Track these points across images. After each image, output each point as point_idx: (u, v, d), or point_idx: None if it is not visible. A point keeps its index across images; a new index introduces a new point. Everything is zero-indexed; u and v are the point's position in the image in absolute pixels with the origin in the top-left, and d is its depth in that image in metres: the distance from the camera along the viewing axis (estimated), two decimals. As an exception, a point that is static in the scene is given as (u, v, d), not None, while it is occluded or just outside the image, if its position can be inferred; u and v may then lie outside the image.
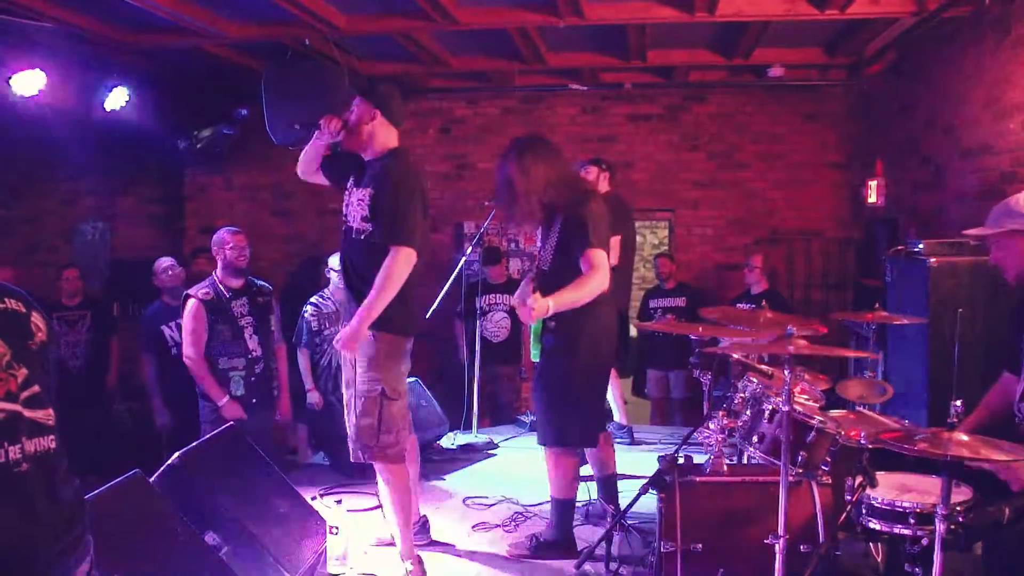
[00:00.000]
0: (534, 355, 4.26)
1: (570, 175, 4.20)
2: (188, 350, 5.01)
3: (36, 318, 1.96)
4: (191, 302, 5.02)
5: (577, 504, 4.27)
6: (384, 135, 3.80)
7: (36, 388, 1.86)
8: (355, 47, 7.10)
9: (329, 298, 6.31)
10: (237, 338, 5.09)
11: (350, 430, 3.81)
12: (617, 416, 6.15)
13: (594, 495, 4.60)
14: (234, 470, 3.82)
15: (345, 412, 3.92)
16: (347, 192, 3.87)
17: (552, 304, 3.63)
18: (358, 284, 3.74)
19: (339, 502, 4.38)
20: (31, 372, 1.86)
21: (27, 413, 1.81)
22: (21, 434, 1.79)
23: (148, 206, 9.42)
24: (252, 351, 5.17)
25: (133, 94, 6.63)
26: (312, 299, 6.33)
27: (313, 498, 4.64)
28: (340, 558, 3.96)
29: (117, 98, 6.55)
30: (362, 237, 3.72)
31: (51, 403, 1.91)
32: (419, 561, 3.83)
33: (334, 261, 6.30)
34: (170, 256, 6.45)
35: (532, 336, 4.27)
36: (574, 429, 4.04)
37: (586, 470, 4.46)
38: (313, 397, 6.18)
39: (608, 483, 4.46)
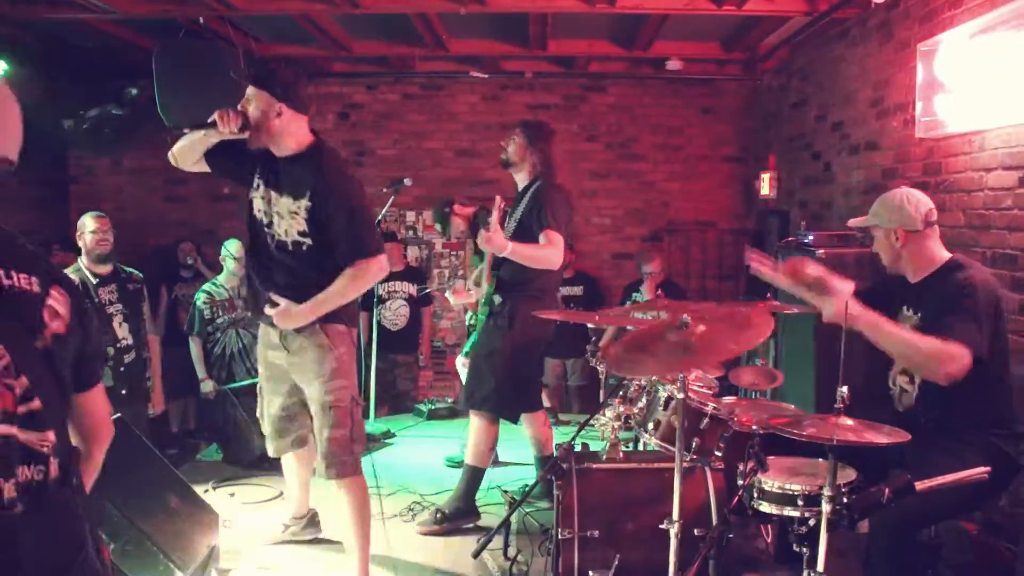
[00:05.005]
0: (480, 310, 4.43)
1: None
2: None
3: (56, 300, 1.60)
4: None
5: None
6: (296, 129, 3.41)
7: (37, 403, 1.52)
8: (252, 27, 6.91)
9: (223, 286, 6.15)
10: (104, 326, 4.88)
11: (323, 445, 3.48)
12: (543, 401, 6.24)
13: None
14: (121, 464, 3.66)
15: (279, 420, 3.75)
16: (259, 194, 3.49)
17: (510, 247, 4.04)
18: (295, 292, 3.42)
19: (232, 495, 4.28)
20: (34, 380, 1.52)
21: (22, 436, 1.50)
22: (14, 463, 1.48)
23: (30, 188, 8.99)
24: (121, 339, 4.99)
25: (13, 69, 6.29)
26: (205, 287, 6.17)
27: (205, 491, 4.52)
28: (234, 552, 3.87)
29: (-6, 73, 6.22)
30: (303, 249, 3.40)
31: (53, 423, 1.56)
32: None
33: (232, 247, 6.15)
34: (56, 242, 6.18)
35: (483, 298, 4.36)
36: (496, 398, 4.24)
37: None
38: (206, 386, 6.02)
39: (546, 463, 4.56)
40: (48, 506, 1.53)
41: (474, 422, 4.32)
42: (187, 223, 8.61)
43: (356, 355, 3.59)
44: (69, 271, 4.84)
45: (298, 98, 3.39)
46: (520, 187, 4.43)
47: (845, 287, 3.13)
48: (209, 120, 3.33)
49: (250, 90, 3.38)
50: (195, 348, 6.09)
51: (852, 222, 3.48)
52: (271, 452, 3.87)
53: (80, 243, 4.97)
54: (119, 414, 4.14)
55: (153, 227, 8.64)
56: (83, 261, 4.96)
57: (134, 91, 7.37)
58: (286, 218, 3.40)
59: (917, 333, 2.98)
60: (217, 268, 6.45)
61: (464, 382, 4.45)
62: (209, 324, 6.05)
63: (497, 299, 4.32)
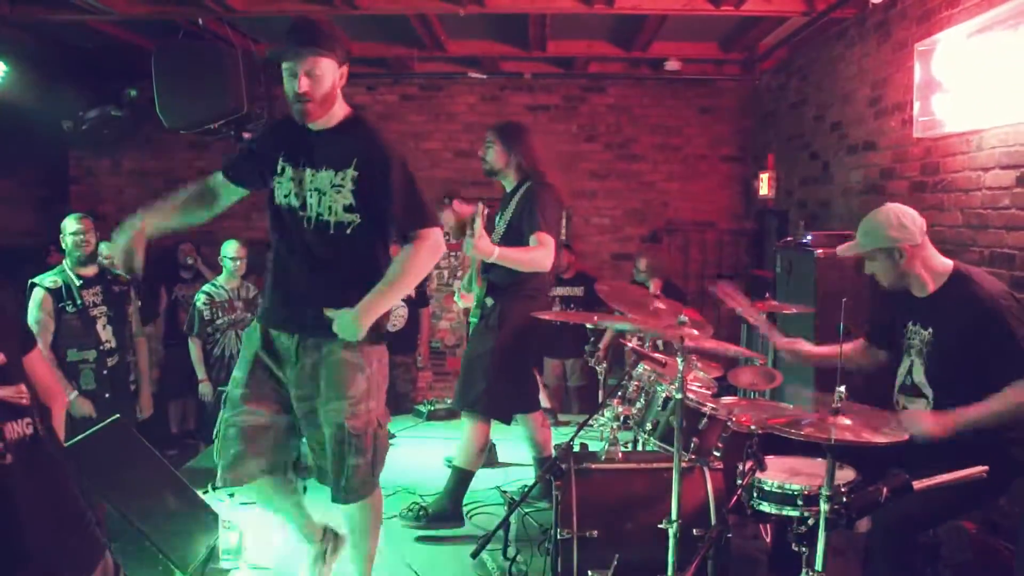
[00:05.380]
0: (472, 311, 4.40)
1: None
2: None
3: None
4: (36, 291, 4.75)
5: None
6: (341, 96, 3.06)
7: (2, 357, 1.57)
8: (251, 29, 6.91)
9: (222, 287, 6.16)
10: (88, 328, 4.85)
11: (343, 474, 3.03)
12: (540, 400, 6.23)
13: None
14: (121, 465, 3.69)
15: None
16: (285, 177, 3.04)
17: (497, 252, 3.92)
18: (338, 290, 2.97)
19: (232, 495, 4.28)
20: None
21: (1, 392, 1.53)
22: (2, 420, 1.50)
23: (30, 189, 8.99)
24: (105, 342, 4.94)
25: (13, 70, 6.30)
26: (205, 288, 6.18)
27: (204, 492, 4.52)
28: (233, 552, 3.87)
29: (-6, 74, 6.23)
30: (348, 231, 2.96)
31: (22, 378, 1.61)
32: None
33: (230, 248, 6.15)
34: (54, 243, 6.17)
35: (474, 300, 4.33)
36: (487, 399, 4.20)
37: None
38: (205, 388, 6.02)
39: (545, 464, 4.57)
40: (39, 460, 1.56)
41: (467, 423, 4.30)
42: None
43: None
44: (53, 273, 4.84)
45: (348, 58, 3.04)
46: (508, 189, 4.37)
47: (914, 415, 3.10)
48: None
49: (308, 59, 2.90)
50: (195, 349, 6.09)
51: (843, 250, 3.42)
52: (229, 478, 3.05)
53: (63, 245, 4.94)
54: (117, 415, 4.17)
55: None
56: (67, 263, 4.92)
57: (133, 92, 7.38)
58: (328, 193, 2.96)
59: (999, 397, 2.95)
60: (217, 269, 6.46)
61: (457, 383, 4.42)
62: (209, 325, 6.05)
63: (489, 301, 4.28)
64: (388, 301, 2.99)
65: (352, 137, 3.00)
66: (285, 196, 3.02)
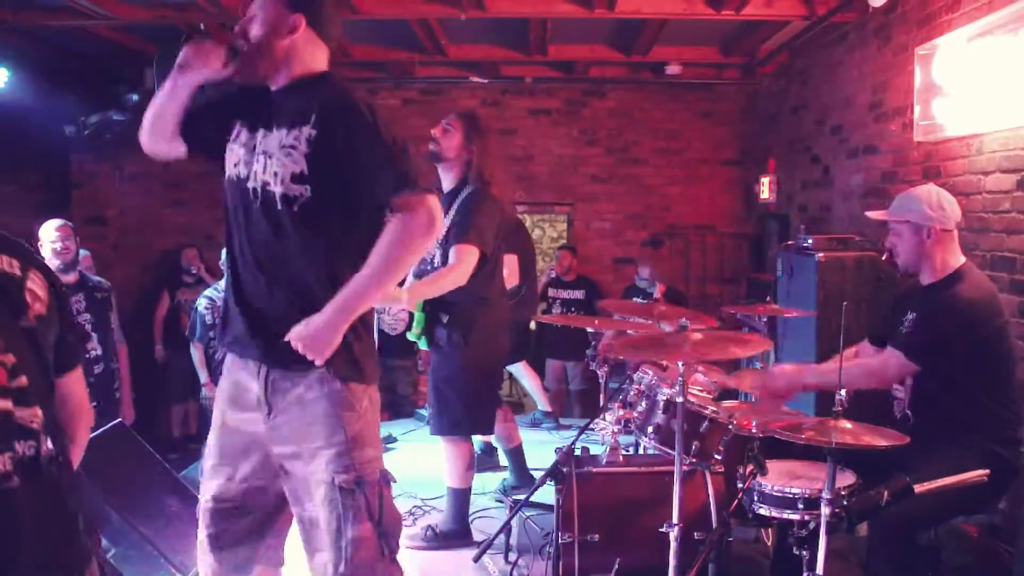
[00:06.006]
0: (411, 335, 4.11)
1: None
2: None
3: (35, 283, 1.61)
4: None
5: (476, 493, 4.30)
6: (308, 55, 2.41)
7: (23, 380, 1.53)
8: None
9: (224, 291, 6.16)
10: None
11: (339, 555, 2.25)
12: (541, 404, 6.22)
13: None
14: (121, 468, 3.69)
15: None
16: (239, 142, 2.42)
17: (407, 295, 3.59)
18: (292, 292, 2.30)
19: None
20: (20, 359, 1.53)
21: (17, 413, 1.51)
22: (12, 438, 1.49)
23: (32, 193, 9.01)
24: (90, 351, 4.82)
25: (14, 75, 6.32)
26: (206, 292, 6.17)
27: (207, 495, 4.53)
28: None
29: (-4, 79, 6.25)
30: (297, 207, 2.25)
31: (40, 400, 1.57)
32: None
33: (229, 253, 6.16)
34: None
35: (415, 324, 4.06)
36: (466, 419, 4.04)
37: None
38: (208, 391, 6.02)
39: (516, 454, 4.65)
40: (42, 482, 1.54)
41: (447, 448, 4.10)
42: (187, 227, 8.64)
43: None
44: None
45: (320, 14, 2.42)
46: (447, 186, 4.08)
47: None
48: (180, 61, 2.35)
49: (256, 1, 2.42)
50: (196, 353, 6.09)
51: (873, 214, 3.43)
52: None
53: (41, 253, 4.68)
54: (119, 418, 4.18)
55: (154, 232, 8.67)
56: None
57: (135, 97, 7.40)
58: (276, 156, 2.29)
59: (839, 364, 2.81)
60: (219, 273, 6.46)
61: (429, 410, 4.18)
62: (211, 329, 6.04)
63: (444, 317, 3.93)
64: (366, 297, 2.23)
65: (313, 92, 2.35)
66: (235, 165, 2.39)
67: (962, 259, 3.19)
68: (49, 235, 4.72)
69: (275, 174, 2.26)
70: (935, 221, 3.13)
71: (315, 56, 2.43)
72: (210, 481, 2.42)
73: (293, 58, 2.38)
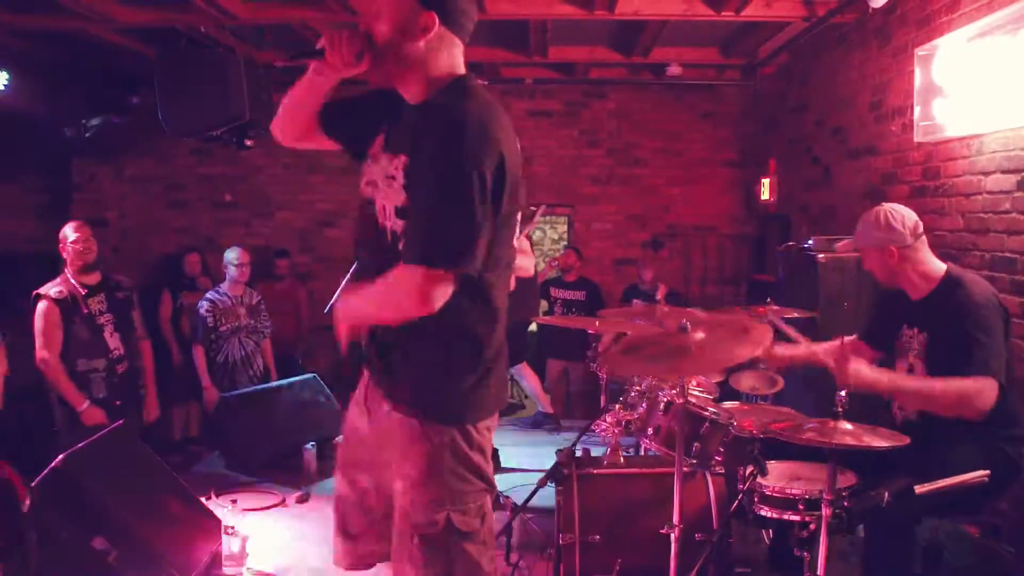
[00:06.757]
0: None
1: None
2: (42, 352, 4.59)
3: None
4: (42, 303, 4.64)
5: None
6: (446, 57, 2.10)
7: None
8: (254, 37, 6.92)
9: (226, 293, 6.17)
10: (96, 337, 4.78)
11: None
12: (541, 406, 6.23)
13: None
14: (123, 471, 3.70)
15: None
16: (370, 161, 2.22)
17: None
18: (399, 331, 2.11)
19: (235, 502, 4.29)
20: None
21: None
22: None
23: (33, 196, 9.02)
24: (113, 350, 4.85)
25: (14, 78, 6.32)
26: (208, 295, 6.19)
27: (208, 498, 4.54)
28: (235, 559, 3.87)
29: (-3, 82, 6.25)
30: (399, 246, 2.04)
31: None
32: None
33: (232, 255, 6.16)
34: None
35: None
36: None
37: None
38: (210, 394, 6.03)
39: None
40: None
41: None
42: (188, 230, 8.65)
43: (485, 460, 2.19)
44: (56, 282, 4.74)
45: (455, 7, 2.08)
46: None
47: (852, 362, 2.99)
48: (316, 48, 2.09)
49: None
50: (198, 356, 6.10)
51: (841, 247, 3.47)
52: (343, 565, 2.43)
53: (64, 254, 4.80)
54: (121, 420, 4.18)
55: (155, 234, 8.69)
56: (69, 272, 4.79)
57: (136, 99, 7.42)
58: (382, 188, 2.12)
59: (939, 380, 2.93)
60: (220, 276, 6.46)
61: None
62: (212, 332, 6.06)
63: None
64: (365, 310, 2.14)
65: (428, 110, 2.07)
66: (366, 184, 2.21)
67: (942, 266, 3.19)
68: (72, 236, 4.77)
69: (383, 208, 2.11)
70: (889, 242, 3.14)
71: (451, 55, 2.12)
72: (349, 474, 2.39)
73: (430, 63, 2.09)
